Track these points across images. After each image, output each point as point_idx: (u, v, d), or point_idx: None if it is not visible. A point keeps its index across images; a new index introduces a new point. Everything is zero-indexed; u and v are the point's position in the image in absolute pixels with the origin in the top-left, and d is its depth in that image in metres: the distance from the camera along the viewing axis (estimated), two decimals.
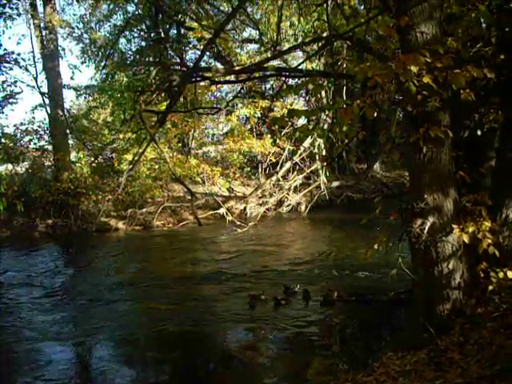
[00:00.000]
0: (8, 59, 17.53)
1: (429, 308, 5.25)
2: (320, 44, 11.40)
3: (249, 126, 22.47)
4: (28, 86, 18.99)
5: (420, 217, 5.02)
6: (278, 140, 21.09)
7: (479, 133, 5.59)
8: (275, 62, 16.82)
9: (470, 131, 5.63)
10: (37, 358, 6.91)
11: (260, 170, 22.44)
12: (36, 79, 18.39)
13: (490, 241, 4.82)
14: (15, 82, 18.26)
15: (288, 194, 19.69)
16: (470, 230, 4.86)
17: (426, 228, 4.98)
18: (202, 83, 16.29)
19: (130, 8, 21.11)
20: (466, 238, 4.88)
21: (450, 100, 5.03)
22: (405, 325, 6.48)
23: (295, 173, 20.36)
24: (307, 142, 19.68)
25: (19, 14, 18.19)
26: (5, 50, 17.64)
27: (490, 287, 4.93)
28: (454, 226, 4.97)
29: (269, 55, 15.21)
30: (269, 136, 21.86)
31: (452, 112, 5.13)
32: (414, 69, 4.30)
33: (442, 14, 5.17)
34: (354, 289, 8.87)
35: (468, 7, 5.22)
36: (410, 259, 5.49)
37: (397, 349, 5.24)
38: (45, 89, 18.72)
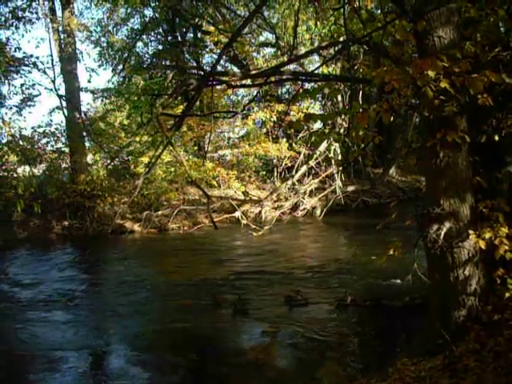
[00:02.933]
0: (27, 62, 17.79)
1: (444, 314, 5.21)
2: (337, 48, 11.43)
3: (265, 130, 22.48)
4: (46, 88, 19.18)
5: (436, 222, 4.99)
6: (293, 144, 21.09)
7: (497, 138, 5.53)
8: (291, 66, 16.90)
9: (488, 136, 5.58)
10: (49, 362, 6.93)
11: (275, 173, 22.42)
12: (54, 82, 18.56)
13: (506, 247, 4.77)
14: (33, 84, 18.60)
15: (303, 198, 19.66)
16: (487, 235, 4.82)
17: (442, 233, 4.95)
18: (218, 87, 16.40)
19: (147, 12, 21.32)
20: (482, 244, 4.83)
21: (468, 105, 4.99)
22: (420, 331, 6.42)
23: (311, 177, 20.34)
24: (323, 147, 19.67)
25: (38, 18, 18.50)
26: (24, 53, 17.93)
27: (507, 294, 4.86)
28: (470, 231, 4.93)
29: (285, 59, 15.20)
30: (284, 140, 21.85)
31: (469, 117, 5.10)
32: (431, 73, 4.29)
33: (460, 18, 5.14)
34: (368, 294, 8.83)
35: (486, 11, 5.17)
36: (425, 264, 5.45)
37: (412, 355, 5.21)
38: (62, 91, 18.91)
